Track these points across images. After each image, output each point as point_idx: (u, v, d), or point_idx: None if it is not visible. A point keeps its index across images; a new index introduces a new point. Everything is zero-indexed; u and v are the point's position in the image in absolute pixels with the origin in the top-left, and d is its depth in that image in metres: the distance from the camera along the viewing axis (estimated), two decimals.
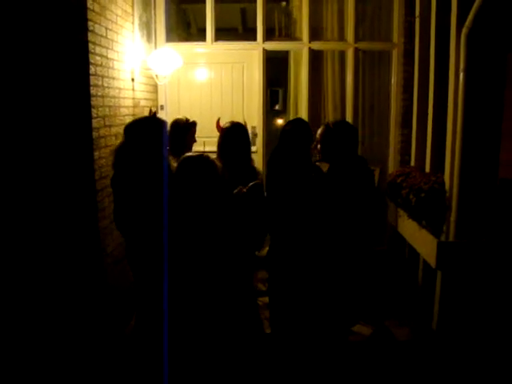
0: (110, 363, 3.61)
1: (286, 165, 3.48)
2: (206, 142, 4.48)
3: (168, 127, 4.01)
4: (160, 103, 5.72)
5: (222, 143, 3.73)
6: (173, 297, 2.99)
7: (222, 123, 3.94)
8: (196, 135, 4.19)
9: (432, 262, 3.89)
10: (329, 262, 3.51)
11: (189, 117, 4.19)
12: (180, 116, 4.22)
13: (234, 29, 7.69)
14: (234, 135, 3.72)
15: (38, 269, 3.47)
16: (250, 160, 3.82)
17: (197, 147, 4.27)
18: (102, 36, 3.78)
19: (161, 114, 5.35)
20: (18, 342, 3.36)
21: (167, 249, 2.76)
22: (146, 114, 3.57)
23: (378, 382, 3.55)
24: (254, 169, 3.76)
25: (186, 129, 4.08)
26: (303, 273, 3.46)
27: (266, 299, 3.68)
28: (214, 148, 3.75)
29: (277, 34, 6.27)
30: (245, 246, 3.28)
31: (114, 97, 4.06)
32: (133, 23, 4.70)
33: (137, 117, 3.83)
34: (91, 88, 3.56)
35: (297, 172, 3.43)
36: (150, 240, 3.21)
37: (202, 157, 3.13)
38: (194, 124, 4.15)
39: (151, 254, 3.21)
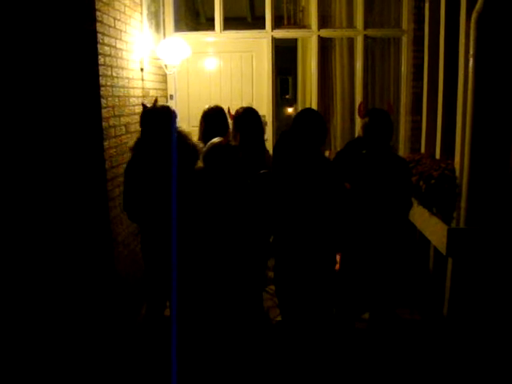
0: (120, 351, 3.65)
1: (293, 153, 3.45)
2: None
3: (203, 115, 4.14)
4: (169, 93, 5.72)
5: (235, 131, 3.79)
6: (184, 287, 3.04)
7: (233, 111, 3.98)
8: None
9: (442, 248, 3.88)
10: (330, 253, 3.49)
11: (198, 106, 4.25)
12: (208, 105, 4.29)
13: (243, 18, 7.72)
14: (244, 122, 3.79)
15: (50, 258, 3.51)
16: (264, 146, 3.87)
17: None
18: (110, 26, 3.79)
19: (170, 104, 5.36)
20: (31, 328, 3.41)
21: (180, 239, 2.80)
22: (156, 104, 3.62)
23: (385, 371, 3.57)
24: (266, 156, 3.80)
25: (224, 114, 4.16)
26: (306, 262, 3.44)
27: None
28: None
29: (285, 22, 6.27)
30: (255, 234, 3.33)
31: (123, 87, 4.07)
32: (141, 13, 4.71)
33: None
34: (100, 78, 3.57)
35: (303, 161, 3.40)
36: (166, 229, 3.26)
37: (229, 145, 3.21)
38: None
39: (166, 243, 3.27)
